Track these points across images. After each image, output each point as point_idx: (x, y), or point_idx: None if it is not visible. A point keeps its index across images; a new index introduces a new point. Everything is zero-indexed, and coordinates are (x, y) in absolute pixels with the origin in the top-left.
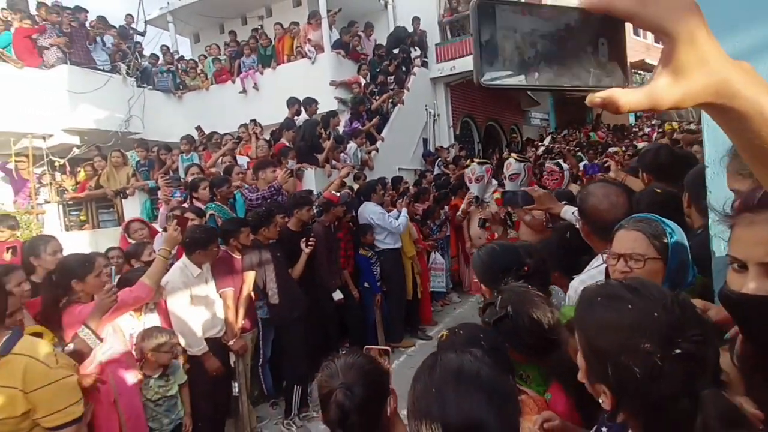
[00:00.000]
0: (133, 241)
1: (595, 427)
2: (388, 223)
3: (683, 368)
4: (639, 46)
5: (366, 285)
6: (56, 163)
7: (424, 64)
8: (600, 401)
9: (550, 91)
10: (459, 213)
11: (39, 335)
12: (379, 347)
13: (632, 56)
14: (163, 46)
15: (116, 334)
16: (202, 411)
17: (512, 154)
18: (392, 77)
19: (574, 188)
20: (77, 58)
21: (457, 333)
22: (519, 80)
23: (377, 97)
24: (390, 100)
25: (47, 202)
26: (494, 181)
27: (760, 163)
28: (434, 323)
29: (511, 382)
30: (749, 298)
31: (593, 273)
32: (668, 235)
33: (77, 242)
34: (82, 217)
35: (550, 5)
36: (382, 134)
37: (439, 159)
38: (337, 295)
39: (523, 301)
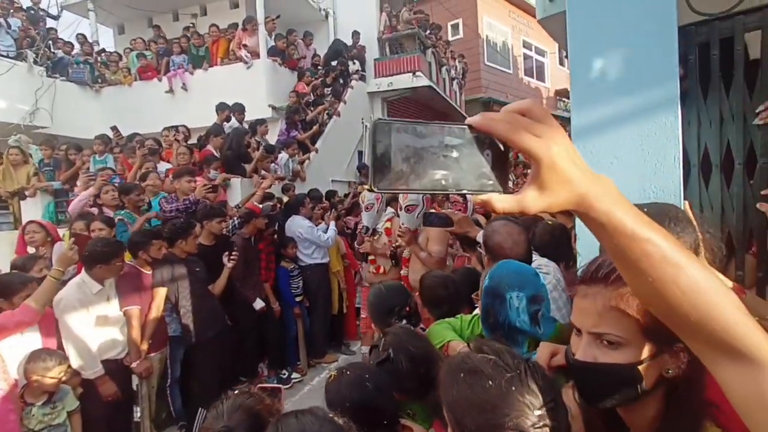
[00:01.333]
0: (30, 248)
1: None
2: (316, 237)
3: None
4: (563, 75)
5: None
6: None
7: (362, 78)
8: None
9: (434, 193)
10: (356, 243)
11: None
12: (271, 386)
13: (558, 84)
14: (79, 34)
15: None
16: None
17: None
18: (329, 89)
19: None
20: None
21: (344, 373)
22: (409, 186)
23: (312, 108)
24: (326, 112)
25: None
26: (388, 209)
27: (617, 262)
28: (359, 338)
29: None
30: (579, 363)
31: None
32: (486, 279)
33: None
34: None
35: (440, 123)
36: (317, 145)
37: None
38: (258, 304)
39: (403, 344)
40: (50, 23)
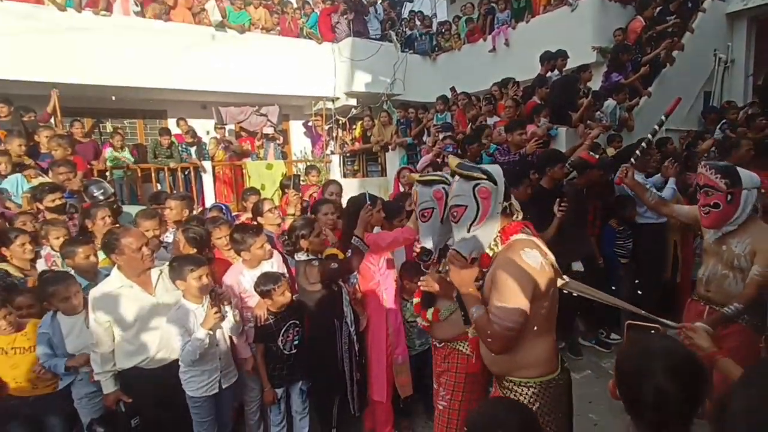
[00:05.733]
0: (403, 188)
1: None
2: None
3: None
4: None
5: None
6: (340, 121)
7: None
8: None
9: None
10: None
11: (335, 256)
12: (646, 324)
13: None
14: (418, 12)
15: (389, 270)
16: None
17: (412, 174)
18: (674, 16)
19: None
20: (359, 28)
21: None
22: None
23: (651, 47)
24: (669, 48)
25: (333, 153)
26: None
27: None
28: None
29: None
30: None
31: None
32: None
33: (351, 187)
34: (356, 167)
35: None
36: (650, 88)
37: (725, 121)
38: (577, 266)
39: None
40: (406, 5)
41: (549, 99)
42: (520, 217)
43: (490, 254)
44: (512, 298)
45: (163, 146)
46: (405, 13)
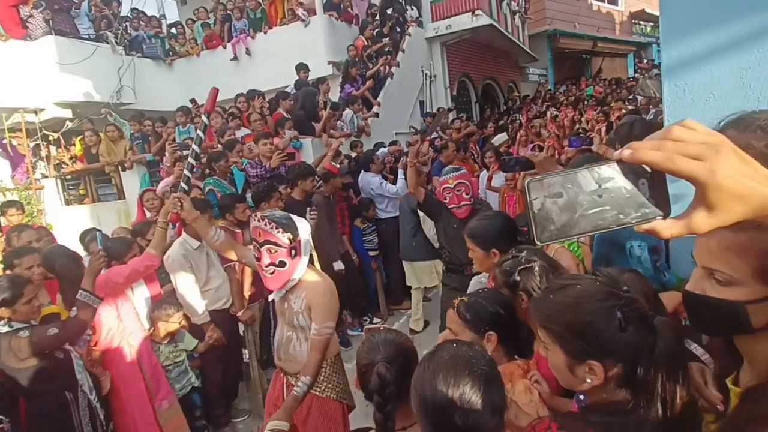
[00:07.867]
0: (148, 213)
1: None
2: (387, 191)
3: (636, 311)
4: None
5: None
6: (50, 138)
7: (420, 24)
8: (588, 381)
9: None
10: None
11: (56, 315)
12: (377, 326)
13: (634, 5)
14: (141, 11)
15: (131, 314)
16: (214, 375)
17: None
18: (387, 39)
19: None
20: (62, 26)
21: (480, 293)
22: (571, 232)
23: (373, 62)
24: (386, 64)
25: (45, 176)
26: None
27: None
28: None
29: (495, 368)
30: (687, 292)
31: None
32: None
33: (78, 217)
34: (82, 191)
35: (587, 166)
36: (378, 99)
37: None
38: (338, 266)
39: (549, 261)
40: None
41: (292, 111)
42: None
43: None
44: None
45: None
46: (124, 12)
